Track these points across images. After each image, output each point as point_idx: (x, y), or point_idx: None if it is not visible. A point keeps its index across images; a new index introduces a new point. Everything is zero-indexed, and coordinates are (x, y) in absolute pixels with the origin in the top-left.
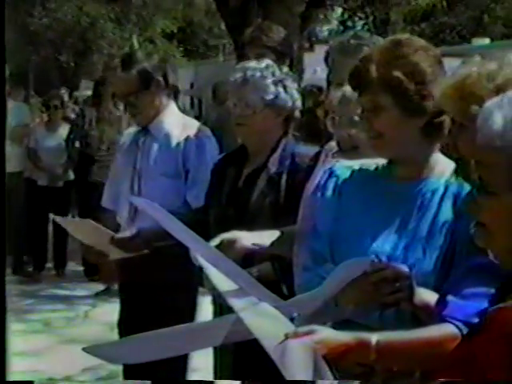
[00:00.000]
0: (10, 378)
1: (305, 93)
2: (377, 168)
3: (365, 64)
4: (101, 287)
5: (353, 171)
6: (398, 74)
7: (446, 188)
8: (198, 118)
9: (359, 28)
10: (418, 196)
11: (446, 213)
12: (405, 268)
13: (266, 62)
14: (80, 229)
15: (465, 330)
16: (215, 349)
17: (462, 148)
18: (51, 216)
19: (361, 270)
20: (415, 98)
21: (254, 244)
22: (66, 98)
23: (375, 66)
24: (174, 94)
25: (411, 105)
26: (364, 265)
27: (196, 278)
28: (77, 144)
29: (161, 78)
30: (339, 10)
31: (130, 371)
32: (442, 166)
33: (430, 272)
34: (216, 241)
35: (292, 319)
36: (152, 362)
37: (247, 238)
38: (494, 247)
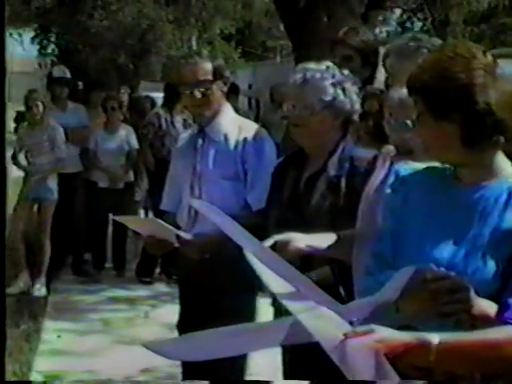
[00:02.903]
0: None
1: (367, 95)
2: (443, 171)
3: (415, 70)
4: (161, 288)
5: (419, 174)
6: (426, 78)
7: (510, 194)
8: (256, 119)
9: (418, 29)
10: (479, 202)
11: (510, 220)
12: (464, 280)
13: (327, 63)
14: (142, 226)
15: None
16: (284, 352)
17: None
18: (111, 217)
19: (420, 277)
20: (445, 102)
21: (307, 246)
22: (125, 98)
23: (417, 71)
24: (236, 93)
25: (441, 110)
26: (423, 273)
27: (256, 282)
28: (136, 146)
29: (224, 80)
30: (398, 12)
31: (188, 373)
32: (507, 171)
33: (490, 281)
34: (269, 242)
35: (351, 323)
36: (210, 365)
37: (301, 240)
38: None
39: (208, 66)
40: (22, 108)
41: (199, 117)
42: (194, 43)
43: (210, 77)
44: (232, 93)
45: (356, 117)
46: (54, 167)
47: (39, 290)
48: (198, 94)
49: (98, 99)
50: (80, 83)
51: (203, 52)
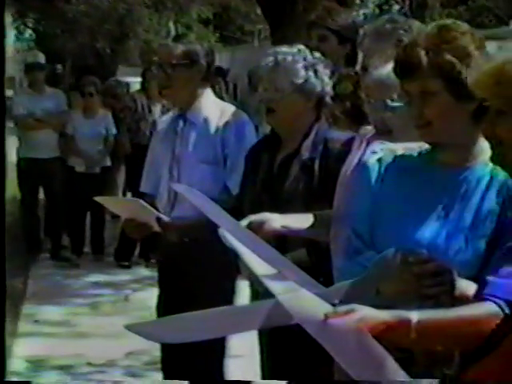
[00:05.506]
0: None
1: (341, 77)
2: (420, 153)
3: (412, 49)
4: (142, 272)
5: (396, 155)
6: (449, 57)
7: (492, 176)
8: (233, 103)
9: (396, 12)
10: (462, 183)
11: (491, 202)
12: (447, 263)
13: (298, 46)
14: (123, 207)
15: (506, 309)
16: (260, 335)
17: (502, 133)
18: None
19: (401, 260)
20: (466, 82)
21: (283, 226)
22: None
23: (424, 51)
24: (222, 77)
25: (463, 89)
26: (405, 255)
27: (234, 265)
28: (114, 131)
29: (205, 64)
30: None
31: (168, 357)
32: (487, 153)
33: (472, 262)
34: (245, 222)
35: (333, 305)
36: (190, 347)
37: (276, 220)
38: None
39: (182, 49)
40: None
41: (167, 99)
42: (171, 27)
43: (183, 60)
44: (218, 76)
45: (328, 99)
46: None
47: None
48: (168, 76)
49: (81, 84)
50: (59, 67)
51: (191, 36)
